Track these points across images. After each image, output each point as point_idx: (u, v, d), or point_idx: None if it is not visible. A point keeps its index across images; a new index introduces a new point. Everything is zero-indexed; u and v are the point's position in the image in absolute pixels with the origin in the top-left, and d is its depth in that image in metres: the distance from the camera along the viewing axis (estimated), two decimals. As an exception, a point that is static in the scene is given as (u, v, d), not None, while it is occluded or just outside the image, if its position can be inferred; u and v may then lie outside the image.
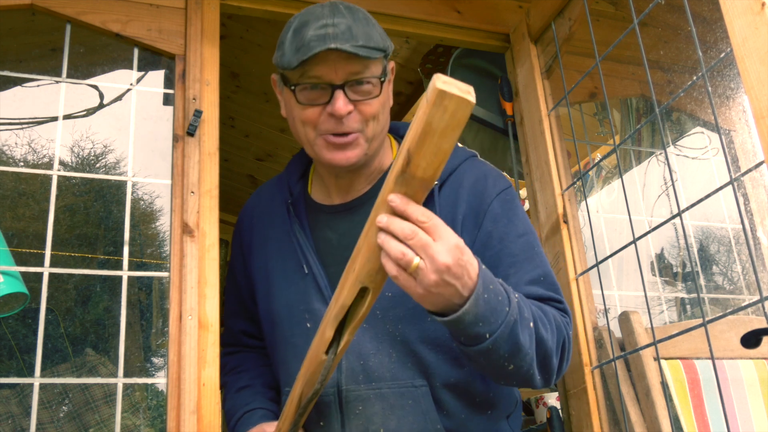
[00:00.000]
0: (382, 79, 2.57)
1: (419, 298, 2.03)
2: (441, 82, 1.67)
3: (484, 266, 2.13)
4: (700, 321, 2.56)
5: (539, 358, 2.35)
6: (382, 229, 1.94)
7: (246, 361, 2.94)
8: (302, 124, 2.57)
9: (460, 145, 3.14)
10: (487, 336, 2.14)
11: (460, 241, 2.01)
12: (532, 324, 2.29)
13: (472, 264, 2.05)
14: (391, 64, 2.69)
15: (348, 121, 2.52)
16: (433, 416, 2.53)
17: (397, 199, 1.90)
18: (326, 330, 2.13)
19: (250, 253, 2.88)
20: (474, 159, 2.81)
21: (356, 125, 2.54)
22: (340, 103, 2.48)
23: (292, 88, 2.52)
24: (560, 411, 3.20)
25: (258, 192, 3.03)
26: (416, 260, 1.95)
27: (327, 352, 2.17)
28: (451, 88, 1.67)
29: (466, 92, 1.69)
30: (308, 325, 2.61)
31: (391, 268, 1.95)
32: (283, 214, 2.81)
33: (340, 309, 2.09)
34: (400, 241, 1.93)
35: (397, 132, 2.92)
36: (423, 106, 1.73)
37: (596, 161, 4.55)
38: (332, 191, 2.76)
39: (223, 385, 2.89)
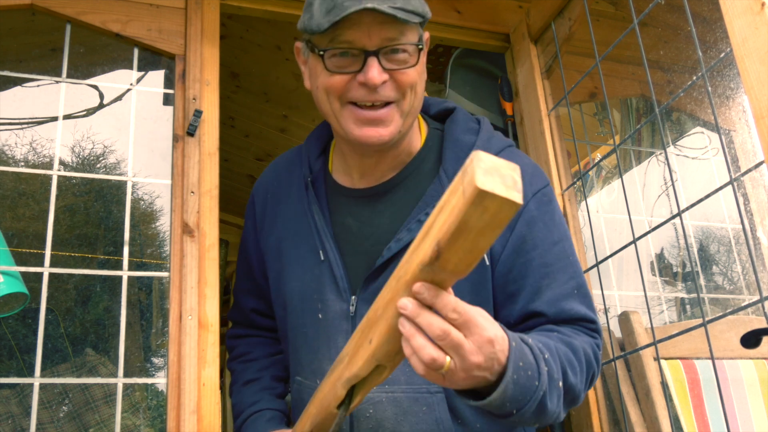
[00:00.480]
0: (420, 46, 2.30)
1: (443, 385, 1.86)
2: (482, 173, 1.36)
3: (515, 342, 1.91)
4: (700, 321, 2.56)
5: (567, 402, 2.19)
6: (405, 317, 1.69)
7: (254, 349, 2.80)
8: (326, 93, 2.31)
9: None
10: (514, 412, 1.97)
11: (493, 332, 1.79)
12: (561, 383, 2.12)
13: (503, 351, 1.84)
14: (426, 34, 2.39)
15: (383, 90, 2.26)
16: (447, 425, 2.34)
17: (424, 292, 1.65)
18: (338, 388, 1.99)
19: (263, 229, 2.71)
20: (512, 149, 2.54)
21: (392, 94, 2.28)
22: (374, 71, 2.23)
23: (321, 53, 2.25)
24: (560, 411, 3.21)
25: (275, 164, 2.82)
26: (447, 360, 1.75)
27: (338, 407, 2.04)
28: (494, 183, 1.36)
29: (512, 186, 1.38)
30: (320, 315, 2.45)
31: (419, 367, 1.74)
32: (300, 191, 2.61)
33: (354, 377, 1.92)
34: (427, 336, 1.70)
35: (427, 111, 2.66)
36: (459, 200, 1.43)
37: (596, 161, 4.55)
38: (354, 173, 2.52)
39: (231, 371, 2.79)
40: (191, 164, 2.84)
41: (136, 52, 2.99)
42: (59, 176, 2.77)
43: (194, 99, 2.91)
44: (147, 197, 3.58)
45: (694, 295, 4.14)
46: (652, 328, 2.86)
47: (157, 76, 3.04)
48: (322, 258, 2.47)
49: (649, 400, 2.82)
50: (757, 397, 2.93)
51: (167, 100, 2.97)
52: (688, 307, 4.17)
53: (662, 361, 2.89)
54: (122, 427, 2.54)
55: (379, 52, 2.23)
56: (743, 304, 2.87)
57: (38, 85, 2.95)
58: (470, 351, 1.74)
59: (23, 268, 2.91)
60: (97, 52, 3.05)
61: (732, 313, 2.53)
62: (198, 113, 2.87)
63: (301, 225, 2.57)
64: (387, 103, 2.30)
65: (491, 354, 1.79)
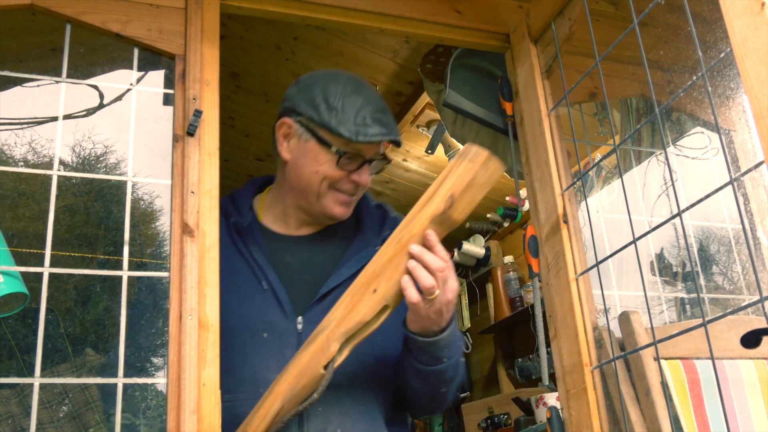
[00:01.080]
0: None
1: (417, 319, 2.71)
2: (482, 148, 2.53)
3: (455, 307, 2.78)
4: (700, 321, 2.56)
5: (458, 386, 3.05)
6: (413, 256, 2.55)
7: None
8: (321, 179, 3.00)
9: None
10: (445, 360, 2.84)
11: (458, 285, 2.69)
12: (462, 359, 3.02)
13: (455, 305, 2.74)
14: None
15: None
16: (379, 422, 2.96)
17: (433, 236, 2.55)
18: (331, 345, 2.57)
19: None
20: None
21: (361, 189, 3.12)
22: (367, 175, 3.08)
23: (341, 154, 2.97)
24: (560, 411, 3.20)
25: None
26: (437, 292, 2.58)
27: (325, 367, 2.58)
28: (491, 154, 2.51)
29: (498, 159, 2.55)
30: (265, 335, 2.92)
31: (414, 295, 2.57)
32: (231, 236, 3.12)
33: (356, 325, 2.57)
34: (428, 271, 2.56)
35: None
36: (469, 165, 2.52)
37: (596, 161, 4.54)
38: (292, 224, 3.20)
39: None
40: (191, 164, 2.84)
41: (136, 52, 2.98)
42: (59, 176, 2.76)
43: (194, 99, 2.91)
44: (147, 197, 3.60)
45: (694, 295, 4.14)
46: (652, 328, 2.86)
47: (157, 76, 3.04)
48: (266, 287, 2.99)
49: (649, 399, 2.82)
50: (757, 397, 2.93)
51: (167, 100, 2.97)
52: (688, 307, 4.16)
53: (662, 361, 2.89)
54: (122, 427, 2.54)
55: (371, 161, 3.09)
56: (743, 304, 2.87)
57: (38, 85, 2.95)
58: (449, 289, 2.64)
59: (23, 268, 2.91)
60: (97, 52, 3.05)
61: (732, 313, 2.53)
62: (198, 113, 2.87)
63: (236, 264, 3.06)
64: None
65: (454, 300, 2.69)
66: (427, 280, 2.54)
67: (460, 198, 2.51)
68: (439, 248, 2.57)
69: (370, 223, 3.25)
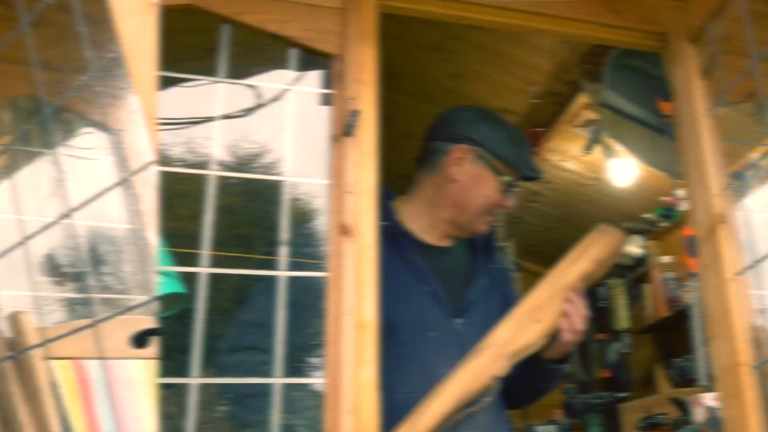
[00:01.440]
0: None
1: (558, 350, 3.15)
2: (617, 230, 3.30)
3: None
4: (90, 321, 2.51)
5: None
6: (570, 301, 3.06)
7: None
8: (488, 203, 3.33)
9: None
10: (556, 379, 3.37)
11: None
12: None
13: None
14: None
15: None
16: (504, 415, 3.34)
17: (580, 288, 3.10)
18: (501, 360, 2.96)
19: None
20: None
21: None
22: (513, 201, 3.40)
23: (512, 184, 3.34)
24: (718, 411, 3.20)
25: None
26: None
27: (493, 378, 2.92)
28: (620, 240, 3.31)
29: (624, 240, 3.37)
30: (431, 334, 3.18)
31: (571, 335, 3.07)
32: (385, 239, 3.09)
33: (524, 347, 3.02)
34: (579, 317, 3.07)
35: None
36: (610, 240, 3.23)
37: (754, 161, 4.48)
38: (437, 235, 3.42)
39: None
40: (348, 164, 2.84)
41: (293, 52, 2.98)
42: (216, 176, 2.80)
43: (352, 99, 2.91)
44: (304, 197, 3.65)
45: (85, 294, 4.08)
46: (41, 328, 2.81)
47: (314, 76, 3.04)
48: (428, 290, 3.26)
49: (39, 400, 2.77)
50: (144, 397, 2.89)
51: (324, 99, 2.97)
52: (78, 307, 4.11)
53: (52, 362, 2.85)
54: (280, 427, 2.58)
55: None
56: (133, 305, 2.82)
57: (195, 86, 3.00)
58: (583, 329, 3.09)
59: (181, 268, 2.98)
60: (254, 52, 3.08)
61: (122, 313, 2.49)
62: (355, 113, 2.87)
63: (394, 266, 3.14)
64: None
65: None
66: (580, 325, 3.07)
67: (600, 266, 3.18)
68: (581, 299, 3.11)
69: (480, 242, 3.57)
